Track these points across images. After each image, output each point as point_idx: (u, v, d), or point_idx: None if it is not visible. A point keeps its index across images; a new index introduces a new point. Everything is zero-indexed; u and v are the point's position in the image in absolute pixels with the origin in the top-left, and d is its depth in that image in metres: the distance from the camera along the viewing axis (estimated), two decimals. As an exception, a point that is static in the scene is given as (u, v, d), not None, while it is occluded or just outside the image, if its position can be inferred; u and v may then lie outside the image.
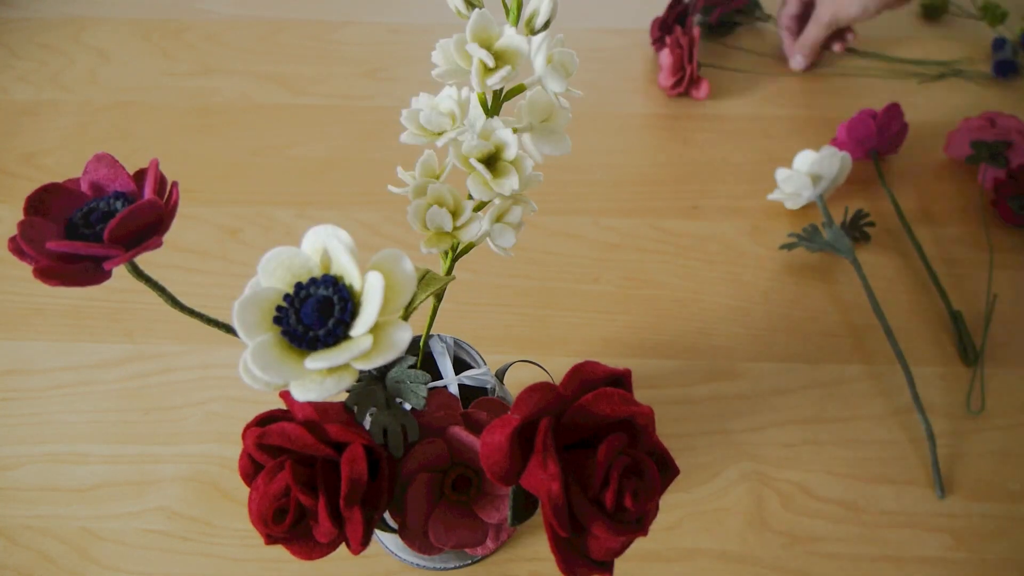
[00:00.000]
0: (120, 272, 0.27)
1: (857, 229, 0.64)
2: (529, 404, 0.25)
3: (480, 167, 0.31)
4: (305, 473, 0.27)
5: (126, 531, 0.49)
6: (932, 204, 0.67)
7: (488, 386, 0.44)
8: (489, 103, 0.33)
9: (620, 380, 0.26)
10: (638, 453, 0.26)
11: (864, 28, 0.80)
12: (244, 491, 0.51)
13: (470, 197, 0.34)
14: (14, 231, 0.25)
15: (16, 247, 0.25)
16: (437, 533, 0.30)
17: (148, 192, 0.25)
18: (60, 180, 0.28)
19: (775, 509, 0.51)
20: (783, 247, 0.63)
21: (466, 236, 0.33)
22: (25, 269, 0.64)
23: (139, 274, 0.27)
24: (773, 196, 0.65)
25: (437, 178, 0.34)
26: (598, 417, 0.26)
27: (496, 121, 0.32)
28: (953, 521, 0.51)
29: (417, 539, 0.30)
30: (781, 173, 0.64)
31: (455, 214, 0.33)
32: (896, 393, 0.56)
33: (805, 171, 0.63)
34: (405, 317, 0.31)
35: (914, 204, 0.67)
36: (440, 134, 0.32)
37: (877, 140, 0.66)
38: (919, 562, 0.49)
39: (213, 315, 0.61)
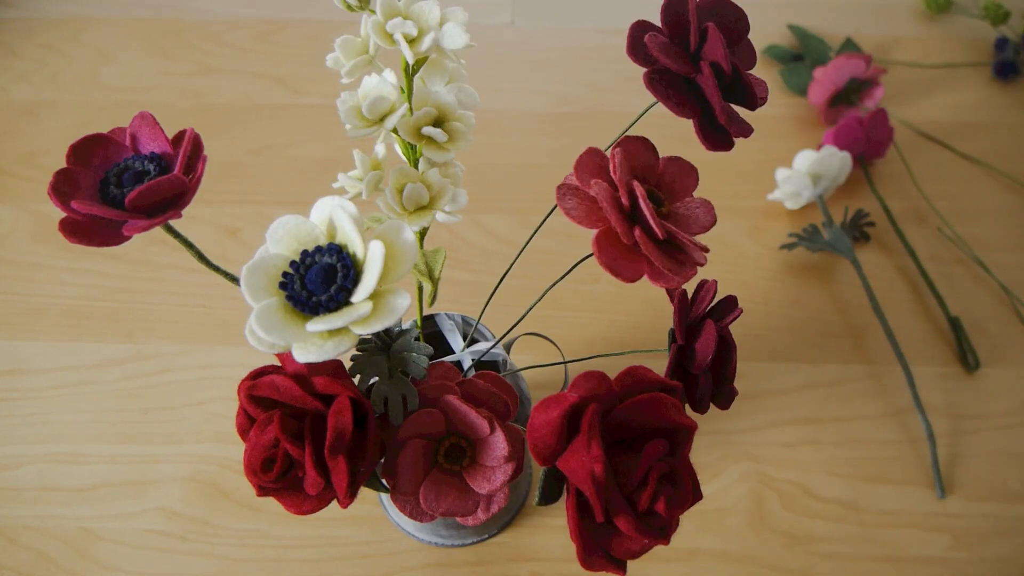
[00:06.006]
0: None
1: (857, 229, 0.64)
2: (585, 387, 0.25)
3: (435, 132, 0.32)
4: (294, 425, 0.27)
5: (126, 531, 0.49)
6: (927, 205, 0.67)
7: (499, 359, 0.45)
8: (403, 81, 0.34)
9: (673, 389, 0.27)
10: (675, 463, 0.26)
11: (864, 28, 0.80)
12: (244, 491, 0.51)
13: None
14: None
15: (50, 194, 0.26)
16: (428, 499, 0.31)
17: (180, 160, 0.27)
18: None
19: (775, 509, 0.51)
20: (783, 247, 0.63)
21: (443, 202, 0.34)
22: (25, 268, 0.63)
23: (170, 230, 0.28)
24: (773, 196, 0.65)
25: (379, 167, 0.35)
26: (645, 419, 0.26)
27: (427, 88, 0.33)
28: (953, 521, 0.51)
29: (408, 503, 0.31)
30: (781, 173, 0.64)
31: (427, 187, 0.34)
32: (896, 393, 0.56)
33: (805, 171, 0.63)
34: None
35: (907, 205, 0.67)
36: (382, 119, 0.33)
37: (865, 145, 0.66)
38: (919, 562, 0.49)
39: (214, 315, 0.61)
